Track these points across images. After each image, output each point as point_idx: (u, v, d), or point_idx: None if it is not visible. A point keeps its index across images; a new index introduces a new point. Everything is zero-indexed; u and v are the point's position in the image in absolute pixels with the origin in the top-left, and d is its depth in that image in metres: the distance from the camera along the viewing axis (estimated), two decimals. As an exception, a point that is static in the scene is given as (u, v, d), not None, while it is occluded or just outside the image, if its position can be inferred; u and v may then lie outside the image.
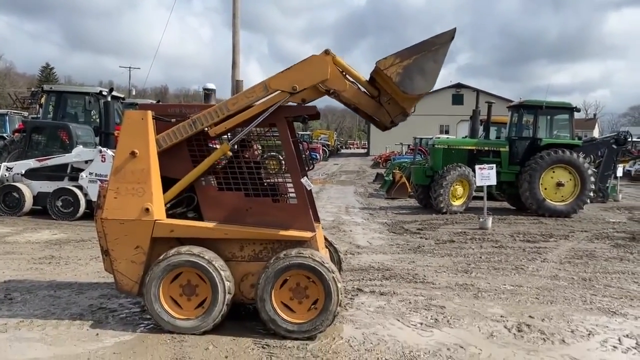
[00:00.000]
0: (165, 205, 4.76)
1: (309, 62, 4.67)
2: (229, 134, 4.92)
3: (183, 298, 4.65)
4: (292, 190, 4.81)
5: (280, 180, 4.96)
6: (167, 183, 4.80)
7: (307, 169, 5.62)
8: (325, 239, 5.82)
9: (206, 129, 4.74)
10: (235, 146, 4.89)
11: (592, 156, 17.95)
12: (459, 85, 53.82)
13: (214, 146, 4.94)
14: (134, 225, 4.60)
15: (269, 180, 5.03)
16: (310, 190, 5.11)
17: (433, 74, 4.67)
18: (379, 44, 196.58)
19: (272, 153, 5.14)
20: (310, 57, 4.70)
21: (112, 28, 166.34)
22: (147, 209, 4.58)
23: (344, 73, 4.78)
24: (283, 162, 5.09)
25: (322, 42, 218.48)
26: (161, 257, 4.57)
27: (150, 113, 4.74)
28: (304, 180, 4.81)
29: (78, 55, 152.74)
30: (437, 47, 4.64)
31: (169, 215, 4.76)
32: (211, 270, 4.52)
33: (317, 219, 5.53)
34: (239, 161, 4.85)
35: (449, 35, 4.70)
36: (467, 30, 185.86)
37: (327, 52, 4.68)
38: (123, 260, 4.68)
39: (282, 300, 4.58)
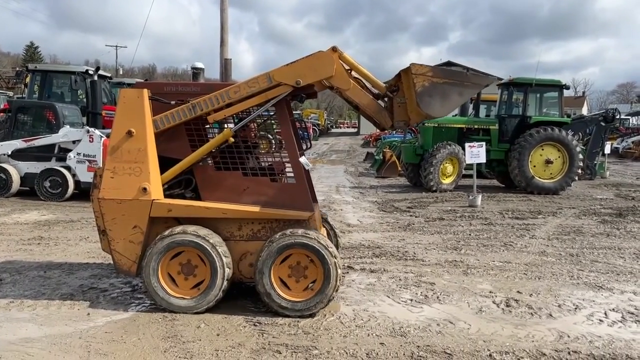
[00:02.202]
0: (163, 186, 4.73)
1: (315, 58, 4.62)
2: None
3: (180, 276, 4.66)
4: (290, 169, 4.79)
5: (278, 159, 4.93)
6: (164, 163, 4.77)
7: (305, 148, 5.59)
8: (323, 218, 5.84)
9: (205, 115, 4.70)
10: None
11: (580, 134, 18.09)
12: (449, 64, 53.47)
13: (210, 127, 4.90)
14: (131, 205, 4.58)
15: (267, 160, 5.01)
16: (309, 169, 5.09)
17: (451, 105, 4.71)
18: (371, 22, 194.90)
19: (261, 133, 5.09)
20: (316, 52, 4.65)
21: (99, 5, 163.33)
22: (145, 189, 4.55)
23: (349, 70, 4.74)
24: (273, 141, 5.06)
25: (313, 20, 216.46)
26: (166, 233, 4.55)
27: (146, 91, 4.68)
28: (302, 159, 4.79)
29: (64, 34, 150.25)
30: (470, 84, 4.68)
31: (166, 196, 4.73)
32: (214, 255, 4.52)
33: (315, 199, 5.53)
34: (237, 141, 4.81)
35: (486, 82, 4.78)
36: (458, 7, 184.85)
37: (334, 49, 4.64)
38: (121, 240, 4.66)
39: (280, 276, 4.60)
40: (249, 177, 4.81)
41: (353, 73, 4.78)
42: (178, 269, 4.65)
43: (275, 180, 4.85)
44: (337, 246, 5.87)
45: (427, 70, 4.61)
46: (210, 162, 4.87)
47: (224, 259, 4.55)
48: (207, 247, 4.52)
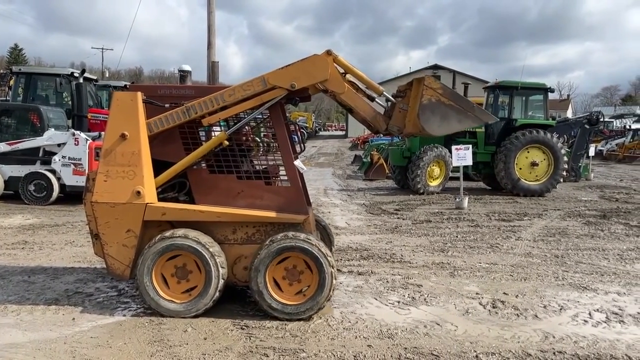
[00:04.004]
0: (157, 189, 4.70)
1: (309, 62, 4.63)
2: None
3: (173, 279, 4.63)
4: (285, 172, 4.79)
5: (272, 162, 4.92)
6: (157, 166, 4.74)
7: (300, 150, 5.58)
8: (318, 221, 5.84)
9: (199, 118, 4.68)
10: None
11: (565, 136, 18.32)
12: (435, 67, 53.90)
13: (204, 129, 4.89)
14: (125, 209, 4.54)
15: (261, 163, 5.00)
16: (302, 172, 5.09)
17: (448, 128, 4.74)
18: (360, 25, 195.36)
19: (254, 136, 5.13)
20: (311, 56, 4.66)
21: (86, 8, 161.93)
22: (139, 192, 4.52)
23: (344, 73, 4.75)
24: (266, 144, 5.07)
25: (303, 23, 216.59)
26: (167, 234, 4.52)
27: (140, 94, 4.66)
28: (296, 162, 4.79)
29: (50, 36, 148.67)
30: (472, 116, 4.70)
31: (160, 199, 4.70)
32: (211, 264, 4.50)
33: (309, 202, 5.52)
34: (231, 144, 4.79)
35: (488, 120, 4.84)
36: (447, 11, 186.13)
37: (328, 52, 4.66)
38: (114, 244, 4.62)
39: (274, 276, 4.58)
40: (244, 180, 4.80)
41: (347, 76, 4.80)
42: (172, 271, 4.62)
43: (270, 184, 4.84)
44: (331, 249, 5.88)
45: (439, 87, 4.63)
46: (204, 165, 4.85)
47: (220, 269, 4.53)
48: (206, 256, 4.49)
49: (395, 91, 4.93)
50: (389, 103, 4.89)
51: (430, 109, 4.60)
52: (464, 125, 4.79)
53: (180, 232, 4.54)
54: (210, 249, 4.51)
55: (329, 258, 4.51)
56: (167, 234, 4.53)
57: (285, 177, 4.81)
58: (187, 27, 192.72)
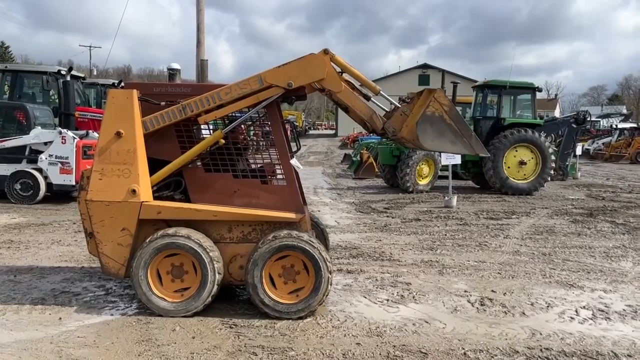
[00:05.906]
0: (152, 188, 4.67)
1: (306, 60, 4.64)
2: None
3: (168, 276, 4.60)
4: (281, 171, 4.78)
5: (268, 161, 4.90)
6: (153, 164, 4.71)
7: (296, 149, 5.57)
8: (314, 221, 5.83)
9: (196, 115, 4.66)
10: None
11: (553, 135, 18.46)
12: (425, 66, 54.01)
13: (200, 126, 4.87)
14: (120, 207, 4.51)
15: (257, 162, 4.98)
16: (298, 171, 5.08)
17: (440, 146, 4.79)
18: (352, 24, 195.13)
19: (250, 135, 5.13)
20: (308, 55, 4.67)
21: (76, 5, 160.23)
22: (134, 191, 4.49)
23: (341, 72, 4.76)
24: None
25: (295, 22, 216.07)
26: (170, 232, 4.49)
27: (135, 92, 4.63)
28: (293, 161, 4.78)
29: (38, 34, 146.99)
30: (467, 142, 4.72)
31: (155, 198, 4.67)
32: (209, 269, 4.48)
33: (304, 201, 5.52)
34: (227, 143, 4.77)
35: (480, 152, 4.87)
36: (438, 11, 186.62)
37: (325, 51, 4.67)
38: (109, 242, 4.59)
39: (270, 272, 4.57)
40: (240, 179, 4.79)
41: (344, 75, 4.80)
42: (168, 269, 4.60)
43: (266, 182, 4.83)
44: (327, 247, 5.88)
45: (447, 104, 4.67)
46: (199, 163, 4.83)
47: (216, 275, 4.52)
48: (205, 260, 4.47)
49: (405, 96, 4.97)
50: (393, 106, 4.90)
51: (430, 121, 4.64)
52: (456, 149, 4.81)
53: (184, 231, 4.51)
54: (210, 253, 4.49)
55: (328, 263, 4.51)
56: (170, 231, 4.51)
57: (282, 176, 4.80)
58: (177, 25, 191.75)
